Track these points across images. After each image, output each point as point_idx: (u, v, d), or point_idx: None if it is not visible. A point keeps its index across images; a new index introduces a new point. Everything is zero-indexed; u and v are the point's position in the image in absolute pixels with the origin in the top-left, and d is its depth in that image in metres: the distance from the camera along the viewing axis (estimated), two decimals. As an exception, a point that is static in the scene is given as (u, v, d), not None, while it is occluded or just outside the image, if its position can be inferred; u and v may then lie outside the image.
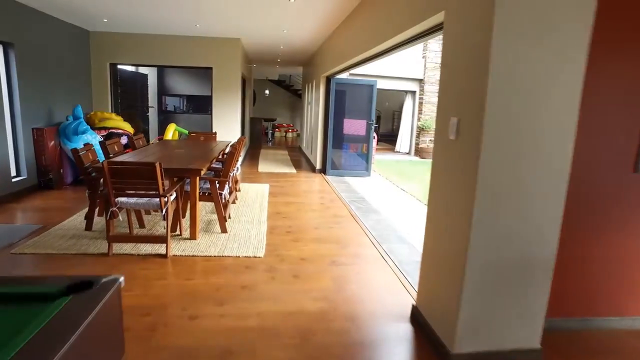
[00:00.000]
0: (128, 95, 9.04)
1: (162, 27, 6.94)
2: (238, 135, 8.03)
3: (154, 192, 3.42)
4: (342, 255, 3.79)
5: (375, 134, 8.81)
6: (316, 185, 7.18)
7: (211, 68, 7.71)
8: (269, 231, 4.36)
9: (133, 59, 7.63)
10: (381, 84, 9.96)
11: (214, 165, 5.21)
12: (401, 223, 5.06)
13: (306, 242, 4.10)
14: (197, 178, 3.83)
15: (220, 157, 5.20)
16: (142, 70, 11.02)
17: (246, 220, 4.68)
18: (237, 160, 5.37)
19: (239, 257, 3.61)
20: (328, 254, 3.79)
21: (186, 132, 7.76)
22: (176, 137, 7.57)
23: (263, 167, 8.75)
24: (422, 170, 9.79)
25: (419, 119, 12.29)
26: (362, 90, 8.13)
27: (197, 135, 6.64)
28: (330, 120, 7.96)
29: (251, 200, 5.67)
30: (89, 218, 4.07)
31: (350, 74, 8.51)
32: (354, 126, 8.27)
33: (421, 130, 12.13)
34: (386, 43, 3.95)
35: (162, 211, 3.47)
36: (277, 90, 17.34)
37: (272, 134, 15.90)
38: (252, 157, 10.47)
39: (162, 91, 11.79)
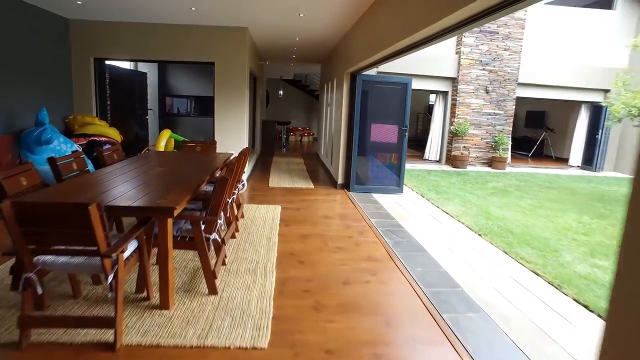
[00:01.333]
0: (122, 97, 7.85)
1: (152, 13, 5.71)
2: (244, 143, 6.75)
3: (93, 249, 2.13)
4: (390, 344, 2.43)
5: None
6: (339, 206, 5.83)
7: (213, 63, 6.45)
8: (278, 290, 3.03)
9: (121, 52, 6.43)
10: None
11: (206, 189, 3.91)
12: (460, 270, 3.67)
13: (332, 312, 2.76)
14: (169, 221, 2.53)
15: (217, 175, 3.91)
16: (141, 67, 9.86)
17: (247, 269, 3.36)
18: (235, 186, 4.07)
19: (229, 348, 2.29)
20: (367, 340, 2.44)
21: (181, 139, 6.52)
22: (171, 146, 6.35)
23: (275, 180, 7.45)
24: (460, 184, 8.35)
25: (451, 123, 10.86)
26: (394, 89, 6.75)
27: (193, 145, 5.38)
28: (356, 125, 6.62)
29: (257, 232, 4.36)
30: (16, 271, 2.81)
31: (378, 72, 7.15)
32: (383, 132, 6.91)
33: (454, 135, 10.70)
34: (429, 29, 2.71)
35: (106, 279, 2.17)
36: (292, 90, 16.07)
37: (287, 139, 14.62)
38: (263, 166, 9.18)
39: (165, 91, 10.62)
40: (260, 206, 5.48)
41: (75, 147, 5.57)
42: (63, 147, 5.39)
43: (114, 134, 6.25)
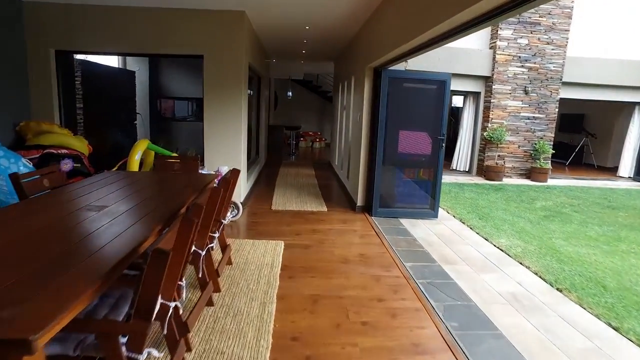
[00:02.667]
0: (100, 99, 6.63)
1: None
2: (241, 155, 5.45)
3: None
4: None
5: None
6: (361, 241, 4.48)
7: (201, 56, 5.17)
8: None
9: (88, 43, 5.18)
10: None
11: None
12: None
13: None
14: None
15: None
16: (130, 64, 8.66)
17: (220, 381, 2.04)
18: (215, 224, 2.78)
19: None
20: None
21: (164, 151, 5.25)
22: (151, 160, 5.08)
23: (280, 199, 6.13)
24: (502, 202, 6.94)
25: (484, 129, 9.44)
26: (428, 88, 5.40)
27: (170, 162, 4.08)
28: (380, 133, 5.27)
29: (247, 291, 3.04)
30: None
31: (406, 70, 5.80)
32: (414, 142, 5.55)
33: (487, 142, 9.28)
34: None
35: None
36: (303, 92, 14.78)
37: (296, 145, 13.31)
38: (268, 179, 7.87)
39: (158, 93, 9.39)
40: (257, 242, 4.16)
41: (23, 162, 4.34)
42: (3, 162, 4.17)
43: (79, 145, 5.01)
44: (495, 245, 4.55)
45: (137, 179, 3.28)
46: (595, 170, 11.65)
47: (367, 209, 5.58)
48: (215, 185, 4.49)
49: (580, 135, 12.56)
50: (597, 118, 12.51)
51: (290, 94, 12.58)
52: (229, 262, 3.51)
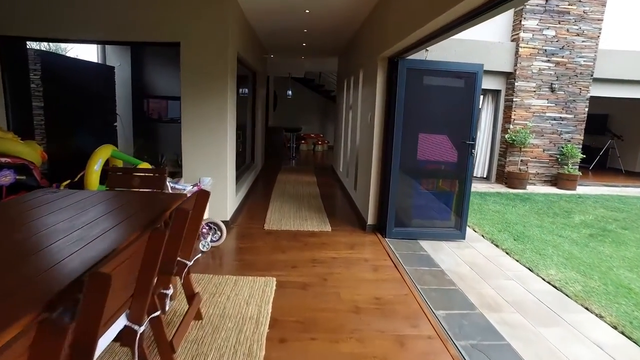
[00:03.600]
0: (66, 98, 5.71)
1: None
2: (227, 164, 4.50)
3: None
4: None
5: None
6: (375, 276, 3.52)
7: (177, 44, 4.24)
8: None
9: (43, 28, 4.25)
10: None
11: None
12: None
13: None
14: None
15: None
16: (110, 59, 7.74)
17: None
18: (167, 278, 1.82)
19: None
20: None
21: (133, 160, 4.32)
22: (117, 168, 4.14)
23: (275, 215, 5.18)
24: (534, 216, 5.97)
25: (504, 130, 8.47)
26: (455, 82, 4.45)
27: (128, 175, 3.14)
28: (396, 136, 4.32)
29: (216, 373, 2.09)
30: None
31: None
32: (436, 147, 4.60)
33: (509, 146, 8.32)
34: None
35: None
36: (304, 91, 13.84)
37: (296, 148, 12.36)
38: (263, 189, 6.93)
39: (143, 91, 8.44)
40: (241, 279, 3.21)
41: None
42: None
43: (27, 153, 4.07)
44: (544, 280, 3.59)
45: (75, 201, 2.34)
46: (623, 175, 10.65)
47: (380, 228, 4.62)
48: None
49: (605, 137, 11.58)
50: (623, 118, 11.53)
51: (290, 92, 11.64)
52: (198, 317, 2.56)
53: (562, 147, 8.50)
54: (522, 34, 8.09)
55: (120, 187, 3.15)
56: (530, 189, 8.22)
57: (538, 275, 3.69)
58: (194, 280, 2.56)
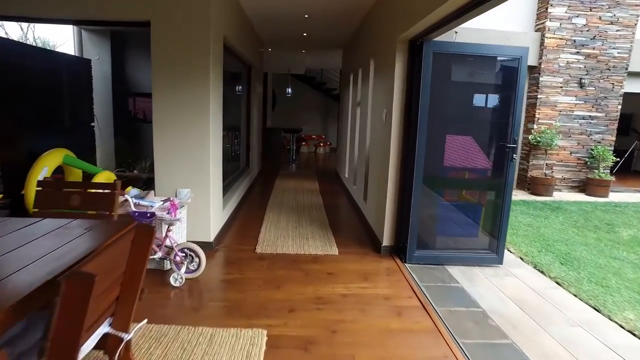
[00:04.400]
0: (28, 94, 4.86)
1: None
2: (209, 173, 3.64)
3: None
4: None
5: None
6: (400, 324, 2.67)
7: (147, 24, 3.39)
8: None
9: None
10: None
11: None
12: None
13: None
14: None
15: None
16: (87, 52, 6.90)
17: None
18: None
19: None
20: None
21: (92, 168, 3.47)
22: (75, 178, 3.28)
23: (270, 234, 4.32)
24: (572, 230, 5.12)
25: (527, 131, 7.61)
26: (492, 70, 3.60)
27: (67, 192, 2.29)
28: (420, 138, 3.46)
29: None
30: None
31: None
32: (467, 150, 3.75)
33: (532, 148, 7.46)
34: None
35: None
36: (304, 89, 13.00)
37: (297, 151, 11.51)
38: (259, 199, 6.08)
39: (126, 88, 7.59)
40: (219, 332, 2.36)
41: None
42: None
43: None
44: (623, 327, 2.72)
45: None
46: (652, 179, 9.78)
47: (398, 250, 3.76)
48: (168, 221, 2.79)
49: (630, 138, 10.73)
50: (649, 117, 10.67)
51: (289, 90, 10.80)
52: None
53: (592, 149, 7.64)
54: (548, 23, 7.23)
55: (55, 207, 2.31)
56: (557, 195, 7.36)
57: (611, 319, 2.83)
58: (151, 335, 1.71)
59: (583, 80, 7.41)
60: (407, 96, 3.57)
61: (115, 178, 3.54)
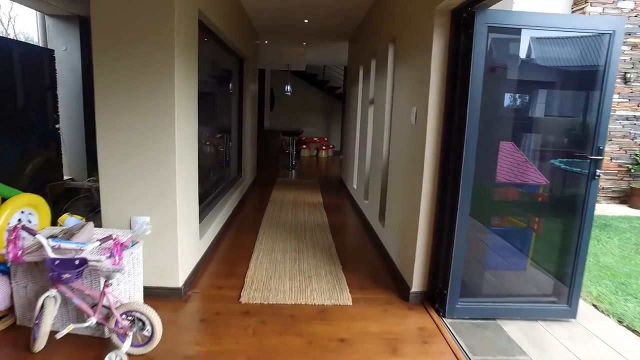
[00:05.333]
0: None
1: None
2: (175, 192, 2.64)
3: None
4: None
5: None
6: None
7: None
8: None
9: None
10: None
11: None
12: None
13: None
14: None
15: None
16: (52, 40, 5.92)
17: None
18: None
19: None
20: None
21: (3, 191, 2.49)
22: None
23: (260, 273, 3.33)
24: (636, 252, 4.14)
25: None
26: (570, 51, 2.62)
27: None
28: (469, 145, 2.46)
29: None
30: None
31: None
32: (527, 163, 2.76)
33: None
34: None
35: None
36: (305, 88, 12.02)
37: (297, 155, 10.52)
38: (251, 216, 5.10)
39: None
40: None
41: None
42: None
43: None
44: None
45: None
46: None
47: (432, 297, 2.77)
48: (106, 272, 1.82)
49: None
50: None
51: (289, 88, 9.82)
52: None
53: (637, 155, 6.65)
54: (588, 8, 6.24)
55: None
56: (597, 208, 6.36)
57: None
58: None
59: (628, 75, 6.42)
60: (448, 89, 2.58)
61: (43, 202, 2.56)
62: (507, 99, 2.60)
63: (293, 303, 2.73)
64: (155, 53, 2.46)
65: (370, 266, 3.48)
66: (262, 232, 4.25)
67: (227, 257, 3.56)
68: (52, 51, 5.49)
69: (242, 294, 2.83)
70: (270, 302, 2.73)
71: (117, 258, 2.09)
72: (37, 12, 5.74)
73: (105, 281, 2.03)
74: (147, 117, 2.52)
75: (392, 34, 3.74)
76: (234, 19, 4.58)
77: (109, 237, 2.13)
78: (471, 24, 2.38)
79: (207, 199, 4.11)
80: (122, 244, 2.13)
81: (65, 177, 5.60)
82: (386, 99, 3.90)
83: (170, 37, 2.46)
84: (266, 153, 8.93)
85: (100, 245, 2.11)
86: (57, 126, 5.44)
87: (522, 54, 2.61)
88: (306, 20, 5.75)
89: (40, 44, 5.96)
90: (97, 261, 2.05)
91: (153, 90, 2.49)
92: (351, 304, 2.76)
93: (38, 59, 5.18)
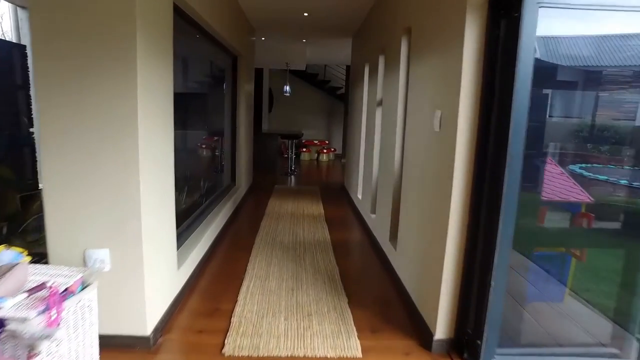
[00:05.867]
0: None
1: None
2: (139, 222, 2.10)
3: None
4: None
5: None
6: None
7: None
8: None
9: None
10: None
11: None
12: None
13: None
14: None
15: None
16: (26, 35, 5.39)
17: None
18: None
19: None
20: None
21: None
22: None
23: (249, 309, 2.79)
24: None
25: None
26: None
27: None
28: (512, 162, 1.92)
29: None
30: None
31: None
32: (583, 180, 2.23)
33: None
34: None
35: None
36: (306, 88, 11.50)
37: (296, 159, 9.99)
38: (245, 231, 4.58)
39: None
40: None
41: None
42: None
43: None
44: None
45: None
46: None
47: (461, 346, 2.23)
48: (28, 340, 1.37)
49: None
50: None
51: (288, 88, 9.30)
52: None
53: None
54: None
55: None
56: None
57: None
58: None
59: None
60: (485, 90, 2.05)
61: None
62: (561, 102, 2.07)
63: (289, 355, 2.19)
64: (112, 44, 1.93)
65: (382, 300, 2.95)
66: (256, 253, 3.71)
67: (212, 289, 3.03)
68: (25, 47, 4.96)
69: (226, 340, 2.29)
70: (260, 354, 2.19)
71: (53, 313, 1.56)
72: (9, 5, 5.22)
73: (29, 352, 1.49)
74: (102, 126, 1.98)
75: (406, 24, 3.21)
76: (224, 10, 4.05)
77: (40, 286, 1.60)
78: (517, 5, 1.84)
79: (192, 216, 3.57)
80: (61, 295, 1.60)
81: (40, 186, 5.07)
82: (398, 101, 3.36)
83: (130, 23, 1.93)
84: (264, 157, 8.41)
85: (27, 296, 1.57)
86: (30, 131, 4.91)
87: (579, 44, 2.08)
88: (306, 14, 5.22)
89: (14, 39, 5.43)
90: (22, 321, 1.52)
91: (108, 91, 1.96)
92: (360, 355, 2.22)
93: (7, 56, 4.65)
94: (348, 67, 10.27)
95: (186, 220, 3.34)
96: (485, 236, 2.08)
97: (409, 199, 2.95)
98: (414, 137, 2.87)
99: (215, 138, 5.51)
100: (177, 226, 2.86)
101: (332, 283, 3.14)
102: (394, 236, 3.39)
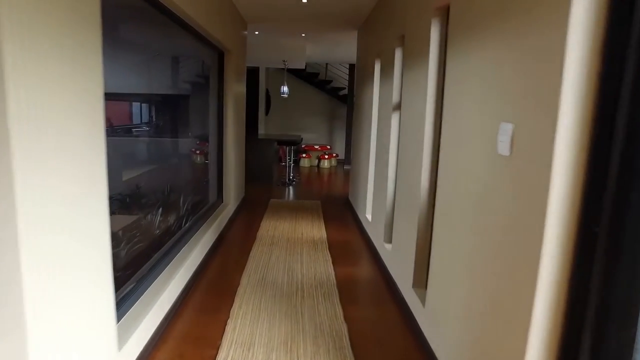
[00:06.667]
0: None
1: None
2: (18, 305, 1.25)
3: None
4: None
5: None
6: None
7: None
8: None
9: None
10: None
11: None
12: None
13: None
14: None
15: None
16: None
17: None
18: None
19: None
20: None
21: None
22: None
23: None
24: None
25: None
26: None
27: None
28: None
29: None
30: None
31: None
32: None
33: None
34: None
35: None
36: (305, 89, 10.67)
37: (295, 166, 9.15)
38: (229, 267, 3.73)
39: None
40: None
41: None
42: None
43: None
44: None
45: None
46: None
47: None
48: None
49: None
50: None
51: (285, 89, 8.47)
52: None
53: None
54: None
55: None
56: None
57: None
58: None
59: None
60: (605, 85, 1.20)
61: None
62: None
63: None
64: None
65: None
66: (239, 302, 2.86)
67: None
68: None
69: None
70: None
71: None
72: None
73: None
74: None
75: (436, 2, 2.37)
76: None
77: None
78: None
79: (152, 258, 2.72)
80: None
81: None
82: (427, 106, 2.52)
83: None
84: (260, 165, 7.58)
85: None
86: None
87: None
88: (305, 0, 4.39)
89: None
90: None
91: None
92: None
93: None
94: (352, 65, 9.44)
95: (138, 270, 2.49)
96: (597, 316, 1.23)
97: (448, 241, 2.11)
98: (456, 158, 2.03)
99: (196, 149, 4.68)
100: (125, 281, 2.02)
101: (338, 353, 2.29)
102: (420, 284, 2.55)
